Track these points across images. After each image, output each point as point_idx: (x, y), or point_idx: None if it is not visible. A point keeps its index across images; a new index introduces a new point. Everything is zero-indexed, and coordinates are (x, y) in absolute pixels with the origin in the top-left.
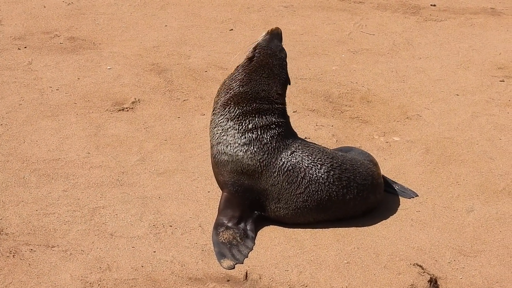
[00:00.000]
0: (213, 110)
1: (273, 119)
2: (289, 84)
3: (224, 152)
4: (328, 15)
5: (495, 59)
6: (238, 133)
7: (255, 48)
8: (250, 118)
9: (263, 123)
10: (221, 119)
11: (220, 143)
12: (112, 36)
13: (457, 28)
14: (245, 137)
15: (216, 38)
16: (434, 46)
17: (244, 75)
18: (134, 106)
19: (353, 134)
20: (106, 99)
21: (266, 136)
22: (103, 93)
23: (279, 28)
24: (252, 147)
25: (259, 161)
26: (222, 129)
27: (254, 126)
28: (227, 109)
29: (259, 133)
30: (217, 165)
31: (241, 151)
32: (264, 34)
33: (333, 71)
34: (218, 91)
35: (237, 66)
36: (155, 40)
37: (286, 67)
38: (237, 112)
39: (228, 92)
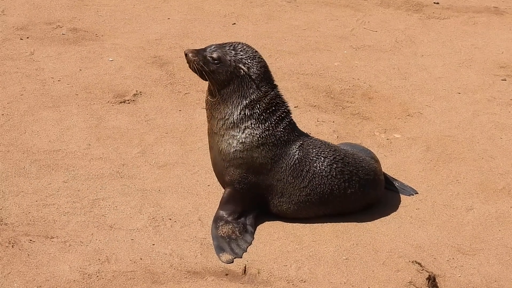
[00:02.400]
0: (219, 129)
1: (279, 108)
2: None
3: (240, 156)
4: (331, 11)
5: (498, 58)
6: (254, 136)
7: (210, 71)
8: (264, 116)
9: (273, 118)
10: (234, 133)
11: (236, 150)
12: (115, 28)
13: (460, 27)
14: (262, 137)
15: (219, 32)
16: (436, 44)
17: (236, 98)
18: (136, 99)
19: (354, 131)
20: (108, 91)
21: (280, 128)
22: (104, 85)
23: (184, 52)
24: (267, 146)
25: (271, 158)
26: (239, 138)
27: (269, 123)
28: (236, 128)
29: (273, 126)
30: (229, 167)
31: (256, 152)
32: (190, 58)
33: (335, 67)
34: (212, 116)
35: (218, 95)
36: (158, 33)
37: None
38: (249, 123)
39: (231, 115)
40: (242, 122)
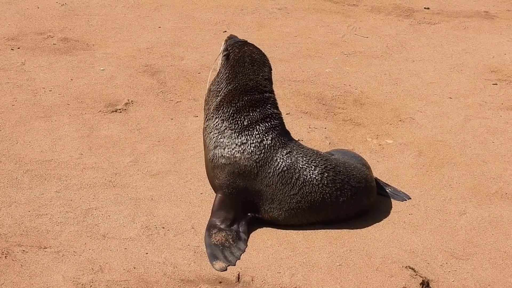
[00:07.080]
0: (206, 116)
1: (268, 112)
2: (272, 70)
3: (222, 155)
4: (321, 18)
5: (488, 62)
6: (234, 132)
7: (225, 48)
8: (244, 114)
9: (258, 116)
10: (216, 122)
11: (217, 146)
12: (106, 37)
13: (450, 31)
14: (242, 136)
15: (210, 40)
16: (427, 49)
17: (228, 73)
18: (127, 108)
19: (346, 137)
20: (99, 100)
21: (262, 131)
22: (96, 94)
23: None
24: (249, 146)
25: (256, 161)
26: (218, 132)
27: (249, 122)
28: (220, 110)
29: (255, 129)
30: (214, 169)
31: (238, 152)
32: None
33: (326, 74)
34: (206, 99)
35: (218, 71)
36: (149, 42)
37: (263, 52)
38: (231, 110)
39: (218, 95)
40: (220, 114)
